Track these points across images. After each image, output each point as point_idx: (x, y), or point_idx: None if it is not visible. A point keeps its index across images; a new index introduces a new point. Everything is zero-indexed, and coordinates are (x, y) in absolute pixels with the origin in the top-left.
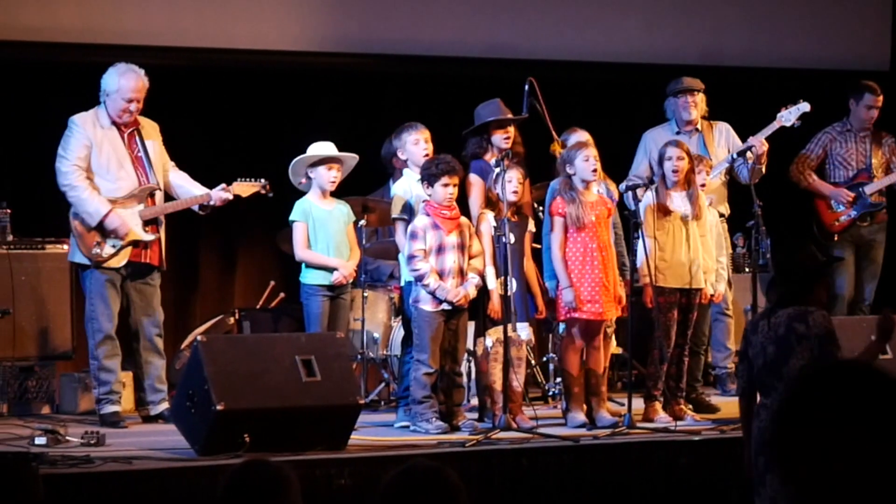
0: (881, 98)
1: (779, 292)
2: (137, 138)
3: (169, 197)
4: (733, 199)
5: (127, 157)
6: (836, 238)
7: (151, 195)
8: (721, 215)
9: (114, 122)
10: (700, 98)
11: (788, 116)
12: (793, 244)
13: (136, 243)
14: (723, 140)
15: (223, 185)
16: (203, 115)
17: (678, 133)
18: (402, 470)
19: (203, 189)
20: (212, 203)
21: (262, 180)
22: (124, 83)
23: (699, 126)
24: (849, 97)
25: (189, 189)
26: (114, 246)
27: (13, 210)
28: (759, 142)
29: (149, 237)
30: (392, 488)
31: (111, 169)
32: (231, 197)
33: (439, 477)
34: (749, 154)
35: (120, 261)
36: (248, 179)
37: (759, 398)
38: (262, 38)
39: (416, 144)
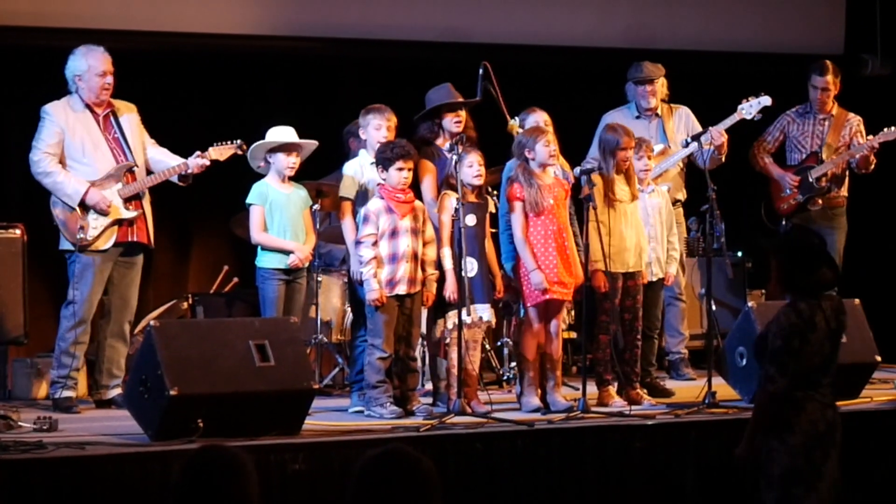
0: (829, 79)
1: (804, 282)
2: (113, 120)
3: (150, 173)
4: (691, 184)
5: (102, 139)
6: (783, 221)
7: (130, 171)
8: (677, 201)
9: (87, 106)
10: (660, 84)
11: (749, 109)
12: (793, 232)
13: (119, 222)
14: (682, 125)
15: (198, 153)
16: (159, 100)
17: (638, 117)
18: (380, 453)
19: (180, 159)
20: (189, 171)
21: (238, 140)
22: (93, 61)
23: (659, 111)
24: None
25: (167, 162)
26: (96, 227)
27: None
28: (719, 132)
29: (131, 213)
30: (368, 469)
31: (86, 153)
32: (208, 163)
33: (415, 463)
34: (706, 141)
35: (106, 242)
36: (222, 143)
37: (802, 393)
38: (218, 21)
39: (377, 130)
